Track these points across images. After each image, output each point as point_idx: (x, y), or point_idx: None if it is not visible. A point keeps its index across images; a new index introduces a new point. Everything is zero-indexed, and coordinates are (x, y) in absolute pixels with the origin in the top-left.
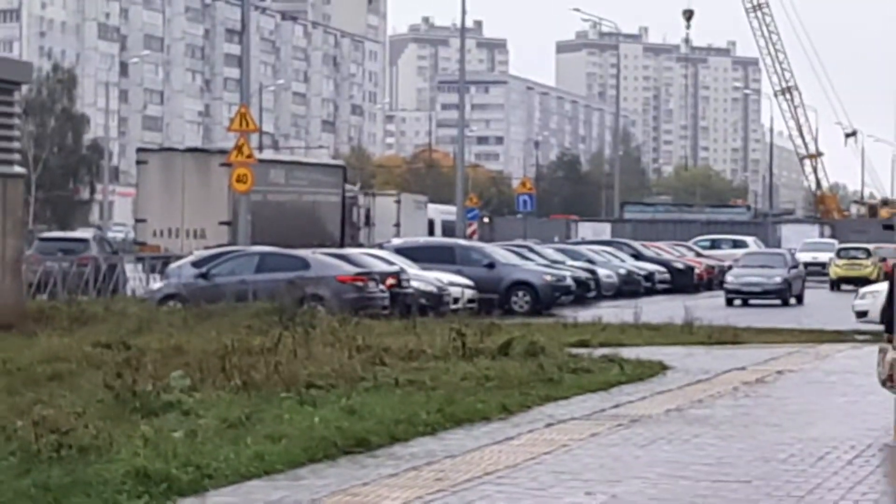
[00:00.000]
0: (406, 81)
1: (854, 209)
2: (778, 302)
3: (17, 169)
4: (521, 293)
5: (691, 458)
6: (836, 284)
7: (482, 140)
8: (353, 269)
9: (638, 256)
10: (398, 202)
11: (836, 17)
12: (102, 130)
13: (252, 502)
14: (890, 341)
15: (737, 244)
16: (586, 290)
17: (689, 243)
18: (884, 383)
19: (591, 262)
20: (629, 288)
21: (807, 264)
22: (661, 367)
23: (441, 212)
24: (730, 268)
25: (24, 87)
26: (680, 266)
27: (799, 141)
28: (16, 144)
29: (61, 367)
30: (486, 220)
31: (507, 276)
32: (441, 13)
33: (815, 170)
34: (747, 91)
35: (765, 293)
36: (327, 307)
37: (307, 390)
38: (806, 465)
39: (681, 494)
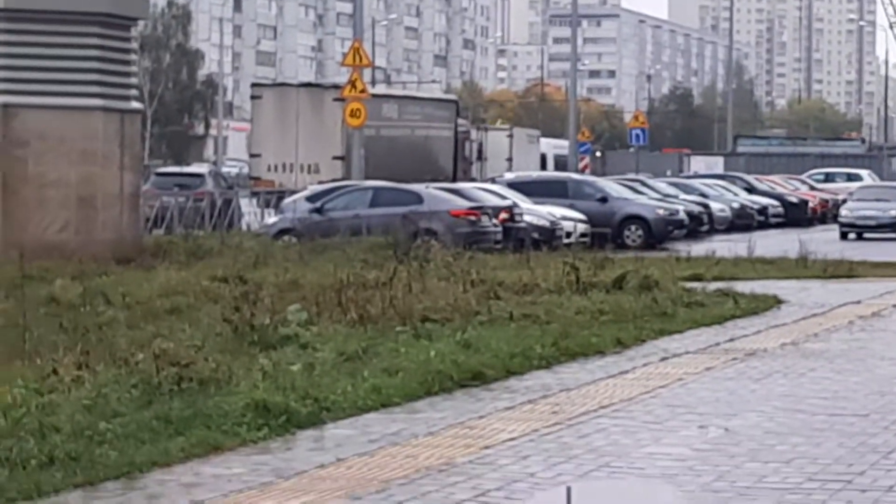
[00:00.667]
0: (518, 15)
1: None
2: (894, 235)
3: (135, 104)
4: (633, 227)
5: (807, 391)
6: None
7: (594, 74)
8: (466, 204)
9: (751, 190)
10: (510, 136)
11: None
12: (217, 66)
13: (369, 434)
14: None
15: (851, 177)
16: (699, 224)
17: (803, 177)
18: None
19: (703, 195)
20: (742, 222)
21: None
22: (775, 301)
23: (553, 146)
24: (844, 201)
25: (140, 23)
26: (794, 200)
27: None
28: (133, 80)
29: (179, 300)
30: (598, 154)
31: (620, 210)
32: None
33: None
34: (862, 23)
35: (880, 227)
36: (441, 241)
37: (422, 324)
38: None
39: (797, 428)
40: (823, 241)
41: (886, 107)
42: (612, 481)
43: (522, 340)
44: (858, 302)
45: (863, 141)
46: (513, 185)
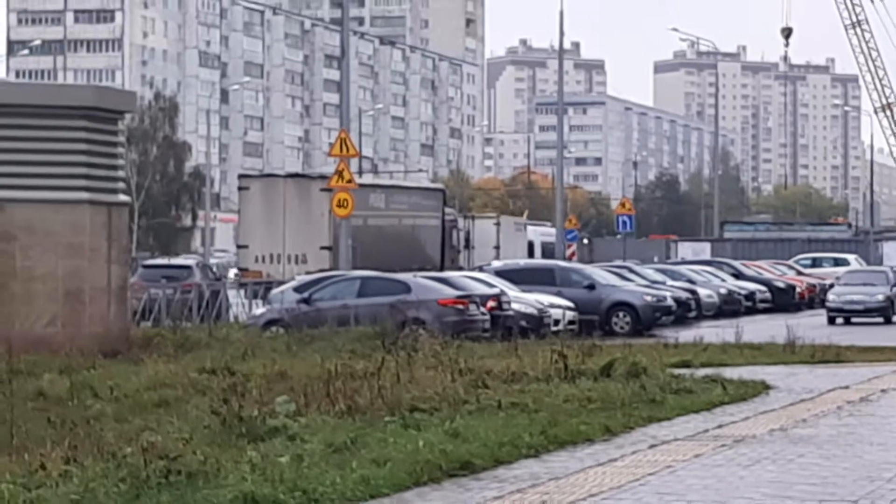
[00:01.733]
0: (504, 104)
1: None
2: (881, 320)
3: (122, 197)
4: (621, 314)
5: (796, 478)
6: None
7: (580, 161)
8: (453, 292)
9: (738, 276)
10: (497, 224)
11: None
12: (204, 157)
13: None
14: None
15: (838, 262)
16: (687, 311)
17: (790, 262)
18: None
19: (691, 281)
20: (730, 307)
21: None
22: (763, 387)
23: (540, 233)
24: (831, 286)
25: (127, 116)
26: (781, 285)
27: None
28: (120, 173)
29: (167, 393)
30: (585, 241)
31: (608, 297)
32: (538, 35)
33: None
34: (847, 108)
35: (867, 311)
36: (429, 330)
37: (411, 414)
38: None
39: None
40: (811, 326)
41: (872, 191)
42: None
43: (511, 429)
44: (847, 387)
45: (849, 226)
46: (500, 273)
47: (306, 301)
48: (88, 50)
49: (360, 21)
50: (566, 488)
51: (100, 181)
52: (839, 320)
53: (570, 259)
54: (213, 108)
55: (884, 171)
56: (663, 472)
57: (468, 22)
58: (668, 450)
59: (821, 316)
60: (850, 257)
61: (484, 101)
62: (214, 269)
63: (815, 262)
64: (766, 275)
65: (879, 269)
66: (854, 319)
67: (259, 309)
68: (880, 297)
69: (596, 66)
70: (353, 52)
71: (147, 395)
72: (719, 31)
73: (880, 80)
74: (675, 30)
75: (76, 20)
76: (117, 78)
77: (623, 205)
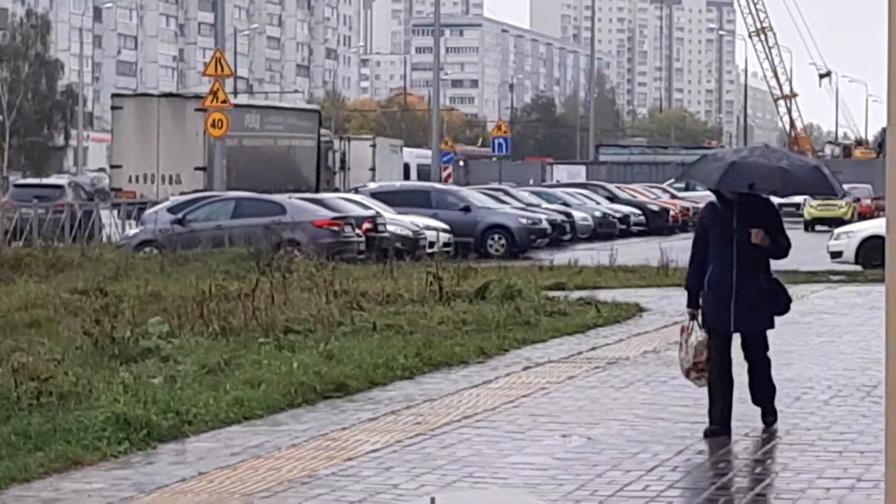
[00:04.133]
0: (381, 25)
1: (828, 150)
2: None
3: None
4: (496, 236)
5: (669, 399)
6: (810, 225)
7: (457, 83)
8: (329, 214)
9: (613, 199)
10: (373, 146)
11: None
12: (76, 76)
13: (232, 448)
14: (694, 317)
15: None
16: (562, 233)
17: (664, 185)
18: (687, 373)
19: (566, 204)
20: (605, 230)
21: (781, 205)
22: (637, 310)
23: (416, 155)
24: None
25: None
26: (655, 208)
27: (773, 82)
28: None
29: (39, 313)
30: (461, 163)
31: (483, 220)
32: None
33: (789, 111)
34: (722, 32)
35: None
36: (304, 252)
37: (285, 335)
38: (783, 405)
39: (659, 436)
40: (684, 249)
41: (746, 115)
42: (476, 491)
43: (385, 351)
44: None
45: (722, 147)
46: (376, 195)
47: (180, 222)
48: None
49: None
50: (440, 410)
51: None
52: None
53: (446, 181)
54: (87, 26)
55: (757, 95)
56: (537, 394)
57: None
58: (542, 371)
59: None
60: None
61: (360, 22)
62: (86, 188)
63: (689, 186)
64: (641, 198)
65: None
66: None
67: (132, 229)
68: None
69: None
70: None
71: (18, 315)
72: None
73: (755, 5)
74: None
75: None
76: None
77: (499, 127)
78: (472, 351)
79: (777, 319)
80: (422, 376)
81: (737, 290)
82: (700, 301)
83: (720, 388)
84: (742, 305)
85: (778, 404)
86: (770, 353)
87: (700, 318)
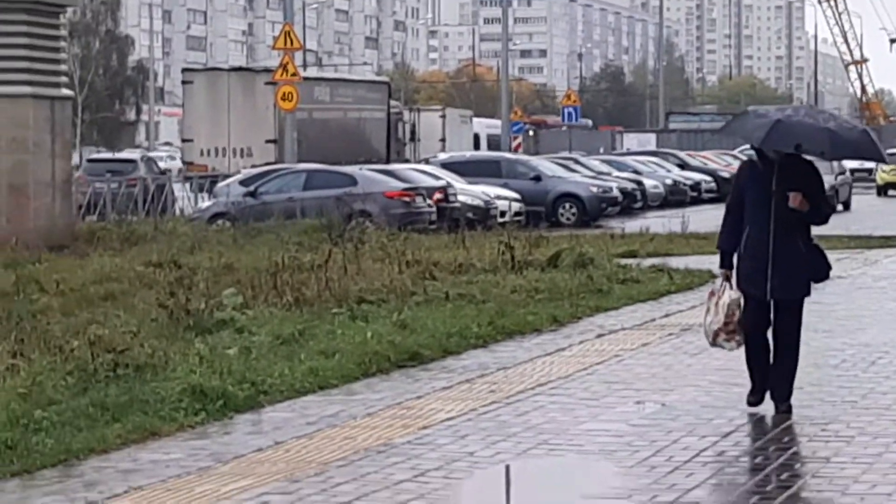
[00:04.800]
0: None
1: None
2: None
3: (65, 91)
4: (567, 205)
5: (742, 365)
6: (882, 190)
7: (525, 53)
8: (399, 185)
9: (684, 166)
10: (443, 117)
11: None
12: (147, 51)
13: (307, 417)
14: (728, 278)
15: None
16: (633, 201)
17: (735, 152)
18: (715, 337)
19: (636, 172)
20: (675, 198)
21: (853, 171)
22: (710, 276)
23: (486, 126)
24: None
25: (69, 10)
26: (726, 175)
27: (843, 48)
28: (63, 67)
29: (114, 287)
30: (531, 132)
31: (554, 189)
32: None
33: (860, 76)
34: (792, 0)
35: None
36: (375, 223)
37: (358, 305)
38: (858, 370)
39: (733, 401)
40: None
41: (816, 81)
42: (551, 458)
43: (458, 320)
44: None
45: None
46: (446, 166)
47: (252, 194)
48: None
49: None
50: (514, 378)
51: (42, 75)
52: None
53: (515, 151)
54: (156, 1)
55: (827, 60)
56: (611, 361)
57: None
58: (616, 339)
59: None
60: None
61: None
62: (159, 162)
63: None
64: (712, 165)
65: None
66: None
67: (205, 202)
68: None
69: None
70: None
71: (93, 288)
72: None
73: None
74: None
75: None
76: None
77: (568, 97)
78: (544, 319)
79: (850, 284)
80: (495, 345)
81: (774, 255)
82: (735, 262)
83: (756, 354)
84: (779, 272)
85: (853, 369)
86: (845, 318)
87: (734, 280)
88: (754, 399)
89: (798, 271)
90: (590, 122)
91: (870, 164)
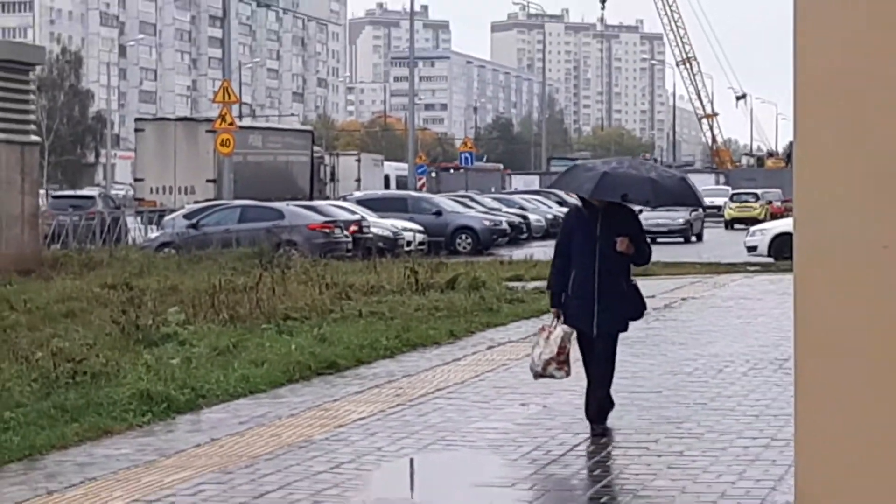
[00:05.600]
0: (364, 57)
1: (744, 160)
2: (681, 240)
3: (33, 137)
4: (464, 236)
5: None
6: (729, 224)
7: (429, 107)
8: (321, 218)
9: (563, 203)
10: (358, 161)
11: None
12: (105, 104)
13: (239, 417)
14: (558, 316)
15: None
16: (519, 233)
17: None
18: (542, 370)
19: (522, 208)
20: (556, 230)
21: (705, 207)
22: None
23: (395, 168)
24: (640, 211)
25: (38, 68)
26: None
27: (697, 103)
28: (31, 117)
29: (74, 305)
30: (433, 174)
31: (452, 222)
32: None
33: (711, 128)
34: (653, 62)
35: (670, 232)
36: (300, 251)
37: (284, 322)
38: (708, 377)
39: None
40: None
41: (674, 132)
42: (447, 452)
43: (370, 334)
44: (653, 296)
45: (654, 160)
46: (361, 202)
47: (194, 226)
48: (3, 10)
49: None
50: (417, 384)
51: (13, 123)
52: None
53: (420, 190)
54: (113, 61)
55: (683, 114)
56: (499, 370)
57: None
58: (503, 350)
59: None
60: None
61: (346, 56)
62: (114, 199)
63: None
64: None
65: None
66: (659, 239)
67: (153, 233)
68: (681, 221)
69: (442, 26)
70: (233, 14)
71: (56, 307)
72: None
73: (681, 38)
74: None
75: None
76: (28, 35)
77: (465, 143)
78: (443, 333)
79: (702, 304)
80: (401, 355)
81: (599, 295)
82: (563, 301)
83: (599, 387)
84: (603, 310)
85: (704, 376)
86: (698, 333)
87: (563, 317)
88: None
89: (619, 309)
90: (500, 166)
91: (719, 202)
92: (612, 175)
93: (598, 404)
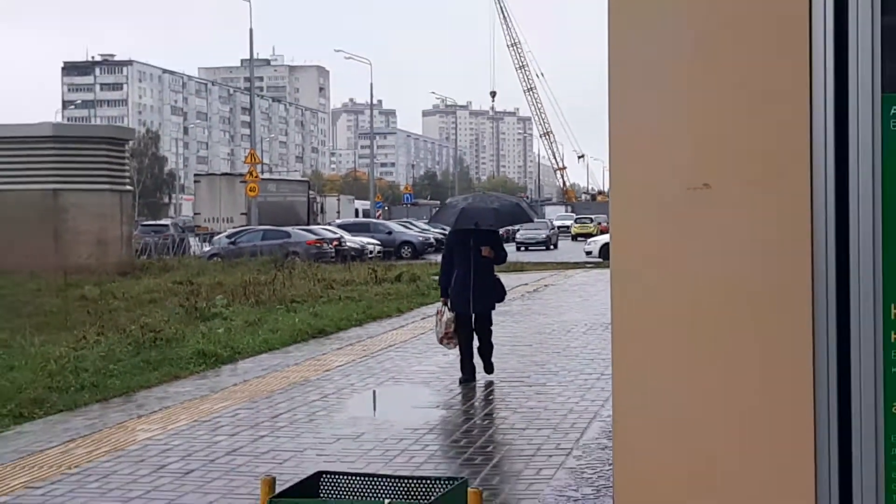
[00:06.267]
0: (341, 133)
1: (584, 197)
2: (544, 248)
3: (127, 187)
4: (406, 248)
5: (499, 334)
6: (574, 238)
7: (384, 164)
8: (314, 237)
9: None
10: (338, 200)
11: (574, 87)
12: (174, 164)
13: (262, 366)
14: (446, 304)
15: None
16: (441, 245)
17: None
18: (441, 340)
19: (444, 229)
20: None
21: (559, 227)
22: None
23: (362, 205)
24: (518, 230)
25: (130, 142)
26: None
27: (553, 160)
28: (126, 174)
29: (155, 295)
30: (386, 208)
31: (398, 238)
32: (361, 93)
33: (562, 176)
34: (525, 135)
35: (537, 243)
36: (301, 258)
37: (290, 304)
38: (560, 335)
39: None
40: (509, 251)
41: (539, 179)
42: (396, 386)
43: (346, 311)
44: (526, 284)
45: (528, 198)
46: (341, 227)
47: (233, 243)
48: (108, 105)
49: (261, 88)
50: (377, 343)
51: (115, 178)
52: (523, 248)
53: (378, 218)
54: (180, 137)
55: (545, 168)
56: (429, 333)
57: (320, 89)
58: (432, 320)
59: (512, 246)
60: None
61: (330, 132)
62: (181, 226)
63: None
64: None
65: (544, 220)
66: (531, 248)
67: (206, 248)
68: (544, 235)
69: (391, 113)
70: (256, 106)
71: (143, 296)
72: (456, 90)
73: (542, 119)
74: (433, 92)
75: (101, 89)
76: (124, 120)
77: (406, 188)
78: (393, 309)
79: (557, 288)
80: (367, 324)
81: (473, 286)
82: (449, 293)
83: (467, 350)
84: (477, 296)
85: (558, 334)
86: (555, 307)
87: (450, 304)
88: (465, 378)
89: (488, 295)
90: (436, 202)
91: (568, 223)
92: (467, 209)
93: (488, 358)
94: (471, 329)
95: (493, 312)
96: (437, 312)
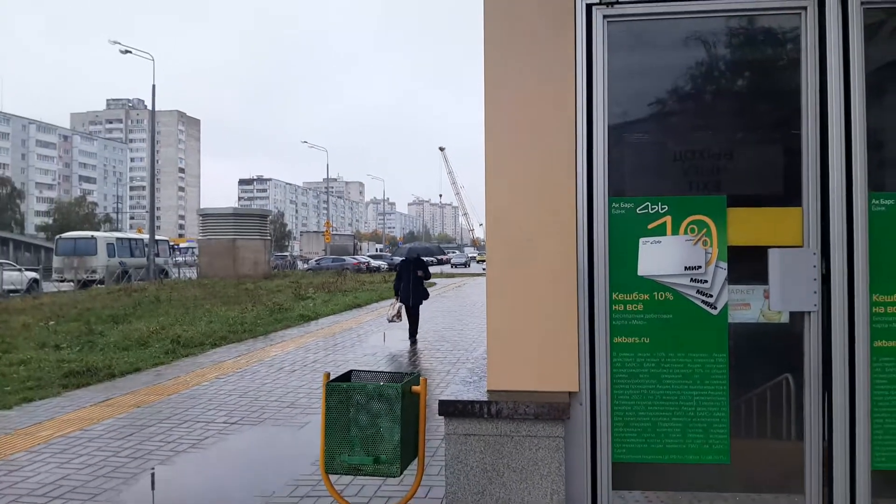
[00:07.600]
0: (371, 212)
1: (483, 242)
2: (465, 267)
3: (267, 237)
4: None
5: (440, 305)
6: (479, 262)
7: (389, 227)
8: (356, 261)
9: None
10: (367, 244)
11: (480, 185)
12: (291, 225)
13: (333, 322)
14: (398, 299)
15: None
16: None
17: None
18: (391, 319)
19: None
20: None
21: (472, 257)
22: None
23: (378, 246)
24: (452, 258)
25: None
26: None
27: (469, 226)
28: (266, 230)
29: (280, 287)
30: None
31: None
32: (378, 192)
33: (472, 234)
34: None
35: (462, 264)
36: (350, 272)
37: (344, 293)
38: (471, 307)
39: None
40: (447, 270)
41: (461, 235)
42: (357, 353)
43: (369, 296)
44: (455, 284)
45: (456, 244)
46: (370, 257)
47: (318, 263)
48: (258, 200)
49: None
50: (337, 326)
51: (262, 232)
52: (454, 267)
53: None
54: (294, 214)
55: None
56: (381, 318)
57: (360, 192)
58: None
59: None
60: (468, 250)
61: (364, 212)
62: (294, 255)
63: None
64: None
65: (464, 254)
66: (457, 268)
67: (305, 266)
68: (464, 260)
69: (393, 203)
70: (332, 203)
71: (274, 289)
72: (428, 189)
73: (463, 206)
74: (413, 193)
75: (255, 192)
76: (267, 206)
77: (399, 238)
78: (372, 300)
79: (470, 287)
80: (339, 314)
81: (412, 290)
82: (399, 293)
83: (413, 325)
84: (413, 295)
85: (470, 312)
86: (468, 295)
87: (399, 299)
88: (413, 340)
89: (418, 296)
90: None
91: (476, 255)
92: (410, 248)
93: (414, 332)
94: (411, 314)
95: (430, 299)
96: (393, 304)
